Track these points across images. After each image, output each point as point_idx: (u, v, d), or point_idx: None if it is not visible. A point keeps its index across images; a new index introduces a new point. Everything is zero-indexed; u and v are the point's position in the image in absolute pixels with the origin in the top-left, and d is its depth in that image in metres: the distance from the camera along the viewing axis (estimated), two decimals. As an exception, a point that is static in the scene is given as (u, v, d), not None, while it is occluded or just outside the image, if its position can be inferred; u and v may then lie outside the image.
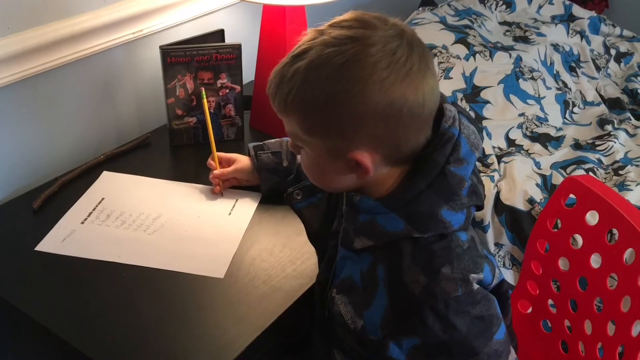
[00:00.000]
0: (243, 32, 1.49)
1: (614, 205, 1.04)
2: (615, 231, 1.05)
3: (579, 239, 1.13)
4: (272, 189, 1.16)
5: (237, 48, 1.26)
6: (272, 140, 1.19)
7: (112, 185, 1.20)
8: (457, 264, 0.79)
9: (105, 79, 1.32)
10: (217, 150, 1.19)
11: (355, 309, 0.82)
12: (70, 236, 1.06)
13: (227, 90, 1.30)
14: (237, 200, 1.18)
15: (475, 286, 0.79)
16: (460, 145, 0.80)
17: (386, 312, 0.79)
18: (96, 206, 1.14)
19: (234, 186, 1.20)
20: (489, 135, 1.66)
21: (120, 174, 1.23)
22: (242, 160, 1.19)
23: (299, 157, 1.11)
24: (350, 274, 0.84)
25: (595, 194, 1.08)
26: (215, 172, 1.17)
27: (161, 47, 1.23)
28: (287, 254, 1.06)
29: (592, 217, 1.09)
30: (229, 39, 1.33)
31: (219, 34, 1.31)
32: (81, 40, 1.21)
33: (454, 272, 0.78)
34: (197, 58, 1.24)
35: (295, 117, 0.80)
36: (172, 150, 1.33)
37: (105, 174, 1.23)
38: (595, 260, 1.09)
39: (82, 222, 1.10)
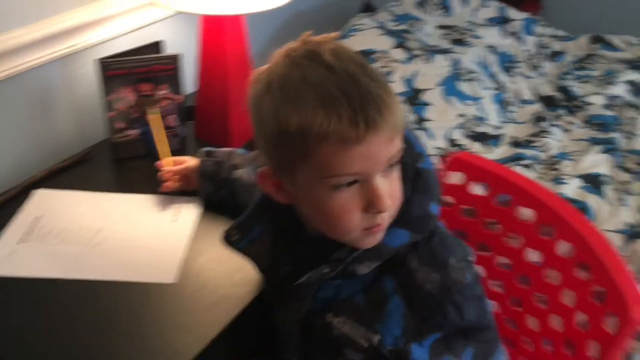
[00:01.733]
0: (183, 43, 1.48)
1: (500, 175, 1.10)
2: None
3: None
4: (209, 197, 1.15)
5: (176, 59, 1.26)
6: (223, 149, 1.18)
7: (49, 202, 1.17)
8: (456, 251, 0.82)
9: (41, 95, 1.29)
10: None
11: (366, 325, 0.80)
12: (7, 257, 1.03)
13: (169, 102, 1.29)
14: (181, 207, 1.17)
15: (475, 267, 0.83)
16: (413, 143, 0.82)
17: (406, 320, 0.79)
18: (33, 225, 1.11)
19: (179, 192, 1.19)
20: (431, 137, 1.70)
21: (57, 190, 1.20)
22: (193, 161, 1.18)
23: (237, 172, 1.11)
24: (350, 294, 0.82)
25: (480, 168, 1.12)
26: (166, 167, 1.16)
27: (98, 60, 1.21)
28: (234, 263, 1.05)
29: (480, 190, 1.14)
30: (169, 50, 1.32)
31: (156, 46, 1.30)
32: (14, 56, 1.18)
33: (458, 260, 0.81)
34: (136, 70, 1.23)
35: None
36: (115, 164, 1.31)
37: (40, 192, 1.19)
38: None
39: (19, 243, 1.06)
